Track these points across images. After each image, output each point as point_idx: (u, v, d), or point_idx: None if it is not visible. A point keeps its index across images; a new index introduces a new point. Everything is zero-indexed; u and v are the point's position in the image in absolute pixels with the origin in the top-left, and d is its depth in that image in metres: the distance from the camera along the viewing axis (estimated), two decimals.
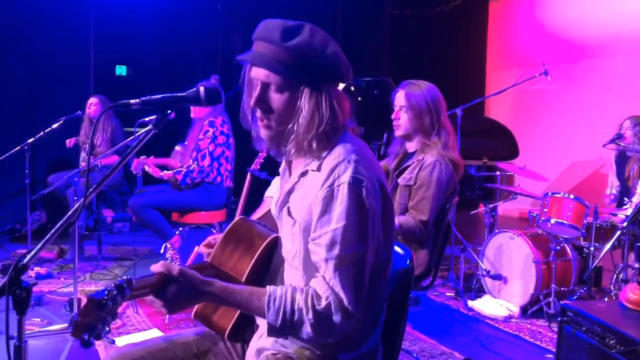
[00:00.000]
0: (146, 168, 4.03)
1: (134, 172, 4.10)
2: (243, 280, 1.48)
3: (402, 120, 2.85)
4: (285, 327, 1.33)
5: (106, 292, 1.13)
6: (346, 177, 1.33)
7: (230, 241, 1.57)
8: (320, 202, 1.34)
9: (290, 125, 1.39)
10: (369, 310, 1.44)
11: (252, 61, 1.42)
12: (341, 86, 1.46)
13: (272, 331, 1.34)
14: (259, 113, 1.43)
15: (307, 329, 1.32)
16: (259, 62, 1.39)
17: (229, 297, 1.34)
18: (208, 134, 3.99)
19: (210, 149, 4.00)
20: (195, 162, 3.99)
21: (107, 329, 1.15)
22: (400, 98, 2.86)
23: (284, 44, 1.35)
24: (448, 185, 2.78)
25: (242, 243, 1.55)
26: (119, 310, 1.21)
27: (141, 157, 4.08)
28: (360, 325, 1.43)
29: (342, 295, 1.31)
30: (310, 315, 1.31)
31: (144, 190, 4.28)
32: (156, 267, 1.31)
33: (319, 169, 1.39)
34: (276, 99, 1.40)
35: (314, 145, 1.38)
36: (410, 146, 2.92)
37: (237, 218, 1.65)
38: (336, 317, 1.31)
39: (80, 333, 1.12)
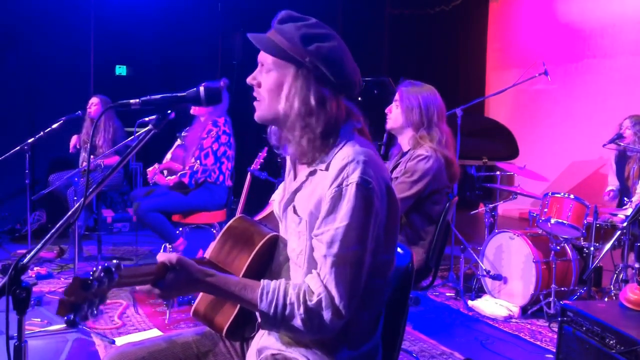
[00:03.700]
0: (155, 178, 4.06)
1: (150, 182, 4.14)
2: (240, 276, 1.48)
3: (392, 114, 2.95)
4: (277, 320, 1.35)
5: (91, 273, 1.13)
6: (355, 178, 1.34)
7: (229, 238, 1.57)
8: (329, 201, 1.36)
9: (279, 105, 1.43)
10: (369, 310, 1.45)
11: (254, 41, 1.46)
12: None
13: (264, 323, 1.37)
14: (254, 92, 1.49)
15: (297, 323, 1.34)
16: (258, 43, 1.44)
17: (223, 287, 1.37)
18: (212, 134, 4.03)
19: (214, 148, 4.04)
20: (199, 161, 4.02)
21: (95, 311, 1.15)
22: (397, 94, 2.95)
23: (305, 47, 1.39)
24: (433, 180, 2.79)
25: (240, 240, 1.55)
26: (108, 294, 1.21)
27: (153, 166, 4.13)
28: (361, 324, 1.44)
29: (334, 293, 1.33)
30: (302, 310, 1.33)
31: (151, 191, 4.26)
32: (158, 257, 1.35)
33: (327, 168, 1.40)
34: (265, 76, 1.45)
35: (306, 142, 1.41)
36: (403, 142, 2.96)
37: (236, 216, 1.65)
38: (326, 314, 1.33)
39: (65, 312, 1.12)
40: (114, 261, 1.20)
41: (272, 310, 1.34)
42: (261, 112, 1.48)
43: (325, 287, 1.34)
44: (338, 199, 1.35)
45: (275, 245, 1.55)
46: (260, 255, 1.52)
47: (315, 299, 1.33)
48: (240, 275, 1.48)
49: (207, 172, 4.02)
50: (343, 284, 1.33)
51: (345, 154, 1.38)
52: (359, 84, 1.47)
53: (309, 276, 1.38)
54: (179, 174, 4.05)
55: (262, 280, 1.38)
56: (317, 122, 1.40)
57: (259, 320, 1.37)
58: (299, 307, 1.33)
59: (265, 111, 1.47)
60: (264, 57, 1.45)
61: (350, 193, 1.34)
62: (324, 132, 1.41)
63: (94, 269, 1.15)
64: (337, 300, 1.33)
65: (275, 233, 1.56)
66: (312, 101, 1.40)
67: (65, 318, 1.13)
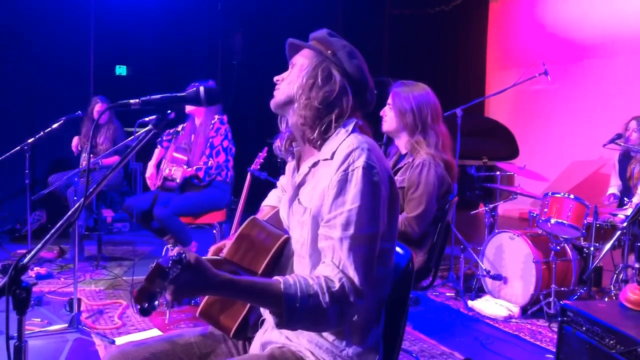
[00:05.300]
0: (178, 173, 4.04)
1: (154, 188, 4.17)
2: (259, 274, 1.49)
3: (387, 117, 2.93)
4: (303, 314, 1.30)
5: (170, 262, 1.11)
6: (360, 162, 1.38)
7: (244, 240, 1.58)
8: (335, 185, 1.39)
9: (294, 85, 1.51)
10: (372, 300, 1.45)
11: (291, 41, 1.59)
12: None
13: (288, 320, 1.30)
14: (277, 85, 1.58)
15: (324, 312, 1.31)
16: (295, 40, 1.57)
17: (242, 290, 1.30)
18: (220, 131, 4.09)
19: (224, 145, 4.10)
20: (211, 159, 4.05)
21: (157, 303, 1.14)
22: (390, 96, 2.94)
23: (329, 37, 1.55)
24: (440, 185, 2.78)
25: (256, 242, 1.57)
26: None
27: (150, 171, 4.15)
28: (363, 314, 1.44)
29: (353, 275, 1.34)
30: (327, 298, 1.32)
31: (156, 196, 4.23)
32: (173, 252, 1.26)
33: (332, 157, 1.44)
34: (290, 71, 1.56)
35: (306, 111, 1.48)
36: (400, 145, 2.96)
37: (249, 218, 1.65)
38: (351, 297, 1.34)
39: (142, 300, 1.11)
40: (181, 252, 1.15)
41: (298, 304, 1.29)
42: (276, 98, 1.56)
43: (343, 271, 1.34)
44: (344, 182, 1.38)
45: (286, 246, 1.58)
46: (277, 257, 1.54)
47: (337, 284, 1.33)
48: (260, 272, 1.49)
49: (220, 168, 4.08)
50: (361, 265, 1.35)
51: (350, 142, 1.43)
52: (370, 91, 1.54)
53: (321, 266, 1.37)
54: (194, 167, 4.05)
55: (277, 277, 1.33)
56: (317, 94, 1.47)
57: (276, 319, 1.30)
58: (323, 295, 1.31)
59: (280, 95, 1.54)
60: (295, 58, 1.57)
61: (357, 176, 1.37)
62: (322, 103, 1.47)
63: (172, 258, 1.12)
64: (357, 282, 1.34)
65: (287, 236, 1.58)
66: (320, 75, 1.48)
67: (139, 306, 1.12)
